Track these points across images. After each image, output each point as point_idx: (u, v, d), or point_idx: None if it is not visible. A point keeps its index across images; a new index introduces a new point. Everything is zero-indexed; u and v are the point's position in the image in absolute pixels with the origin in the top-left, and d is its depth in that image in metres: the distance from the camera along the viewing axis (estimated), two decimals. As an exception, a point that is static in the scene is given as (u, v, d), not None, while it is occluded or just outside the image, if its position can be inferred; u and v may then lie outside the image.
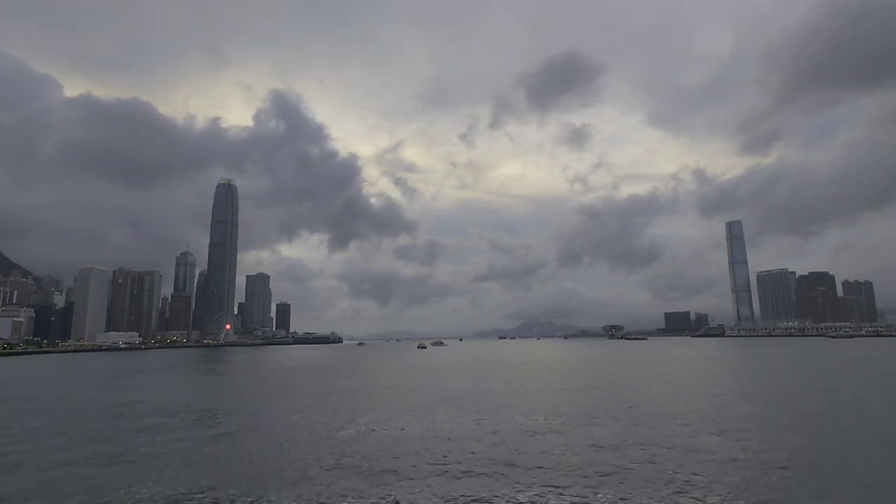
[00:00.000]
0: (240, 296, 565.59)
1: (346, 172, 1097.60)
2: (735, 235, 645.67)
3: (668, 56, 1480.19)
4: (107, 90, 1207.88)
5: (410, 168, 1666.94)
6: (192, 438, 27.07)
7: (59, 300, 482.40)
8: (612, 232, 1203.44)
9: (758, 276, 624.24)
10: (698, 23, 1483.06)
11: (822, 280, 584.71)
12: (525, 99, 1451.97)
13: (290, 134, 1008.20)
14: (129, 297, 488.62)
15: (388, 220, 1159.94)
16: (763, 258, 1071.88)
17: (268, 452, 23.54)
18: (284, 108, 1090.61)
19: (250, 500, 16.80)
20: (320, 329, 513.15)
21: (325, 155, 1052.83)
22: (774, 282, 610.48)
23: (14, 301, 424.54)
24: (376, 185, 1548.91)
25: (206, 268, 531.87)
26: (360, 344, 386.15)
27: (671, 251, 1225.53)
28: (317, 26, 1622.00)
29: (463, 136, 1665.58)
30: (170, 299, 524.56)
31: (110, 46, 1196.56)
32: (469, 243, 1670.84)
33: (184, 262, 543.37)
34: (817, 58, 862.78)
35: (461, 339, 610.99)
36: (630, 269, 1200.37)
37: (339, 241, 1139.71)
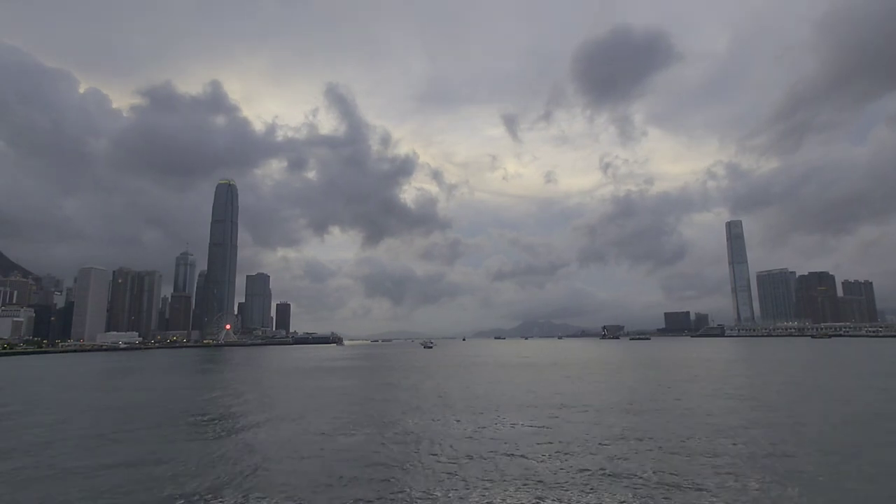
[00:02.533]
0: (240, 296, 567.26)
1: (391, 172, 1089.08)
2: (735, 235, 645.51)
3: (671, 54, 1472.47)
4: (113, 90, 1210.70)
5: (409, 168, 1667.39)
6: (192, 440, 26.96)
7: (59, 300, 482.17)
8: (631, 231, 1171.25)
9: (757, 276, 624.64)
10: (697, 23, 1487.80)
11: (822, 280, 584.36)
12: (534, 98, 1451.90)
13: (344, 133, 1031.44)
14: (129, 297, 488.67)
15: (421, 219, 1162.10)
16: (785, 256, 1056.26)
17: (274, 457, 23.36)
18: (339, 106, 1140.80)
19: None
20: (324, 329, 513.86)
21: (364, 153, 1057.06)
22: (774, 282, 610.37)
23: (14, 301, 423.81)
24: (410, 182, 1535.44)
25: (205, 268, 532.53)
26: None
27: (695, 250, 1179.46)
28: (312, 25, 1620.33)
29: (466, 136, 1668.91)
30: (170, 299, 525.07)
31: (106, 44, 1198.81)
32: (487, 242, 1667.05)
33: (184, 262, 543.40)
34: (855, 49, 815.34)
35: (464, 339, 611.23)
36: (652, 268, 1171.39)
37: (373, 238, 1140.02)
